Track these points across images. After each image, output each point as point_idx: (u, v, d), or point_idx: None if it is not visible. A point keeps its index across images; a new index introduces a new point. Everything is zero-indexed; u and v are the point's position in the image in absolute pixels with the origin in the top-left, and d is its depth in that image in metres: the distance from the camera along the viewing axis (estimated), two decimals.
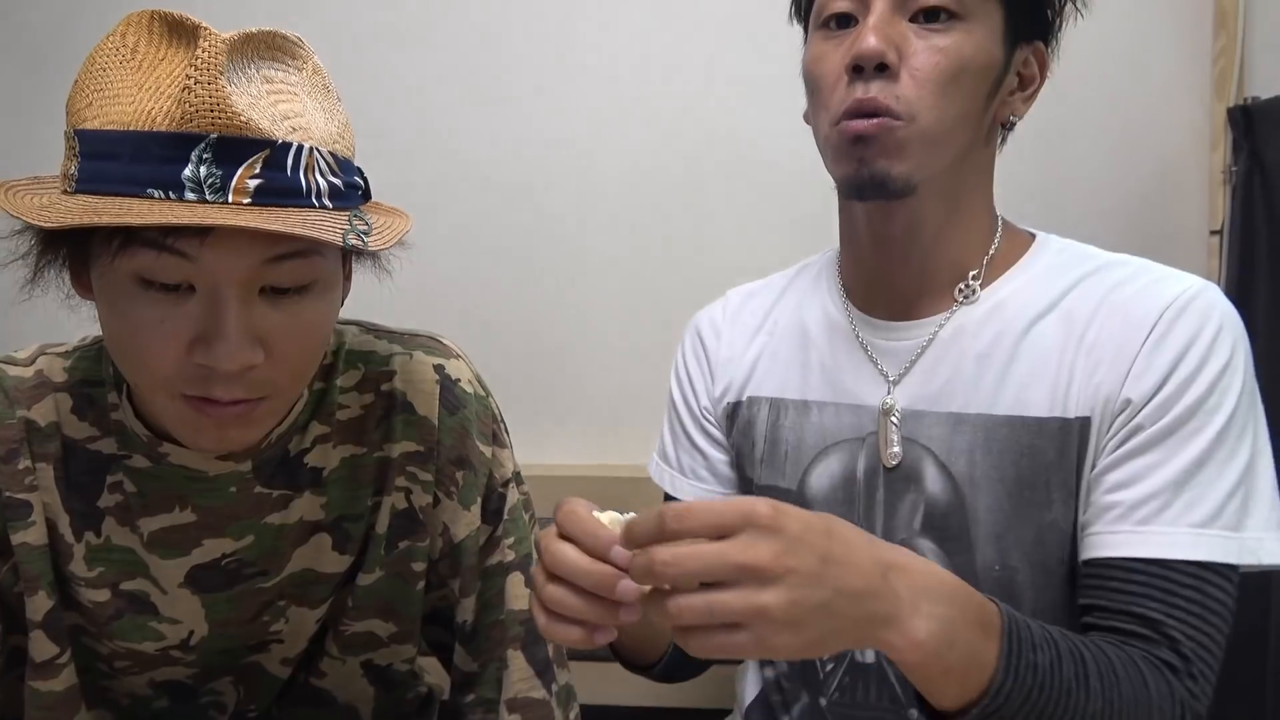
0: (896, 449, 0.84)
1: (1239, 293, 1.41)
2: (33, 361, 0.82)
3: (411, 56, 1.68)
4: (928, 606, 0.59)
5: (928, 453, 0.83)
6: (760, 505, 0.55)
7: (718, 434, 0.98)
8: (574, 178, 1.67)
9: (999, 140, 0.89)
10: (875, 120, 0.79)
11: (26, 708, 0.83)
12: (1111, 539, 0.75)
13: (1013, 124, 0.87)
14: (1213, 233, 1.49)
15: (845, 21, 0.83)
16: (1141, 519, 0.74)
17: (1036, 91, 0.87)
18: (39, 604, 0.80)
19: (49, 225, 0.64)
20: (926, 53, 0.79)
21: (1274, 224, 1.37)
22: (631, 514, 0.59)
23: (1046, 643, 0.67)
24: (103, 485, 0.81)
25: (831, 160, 0.84)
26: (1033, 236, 0.89)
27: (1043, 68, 0.87)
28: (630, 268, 1.67)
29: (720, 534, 0.54)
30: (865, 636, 0.58)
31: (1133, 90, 1.54)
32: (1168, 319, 0.77)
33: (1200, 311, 0.77)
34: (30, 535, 0.78)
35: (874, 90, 0.79)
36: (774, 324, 0.97)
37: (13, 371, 0.81)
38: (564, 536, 0.59)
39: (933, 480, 0.82)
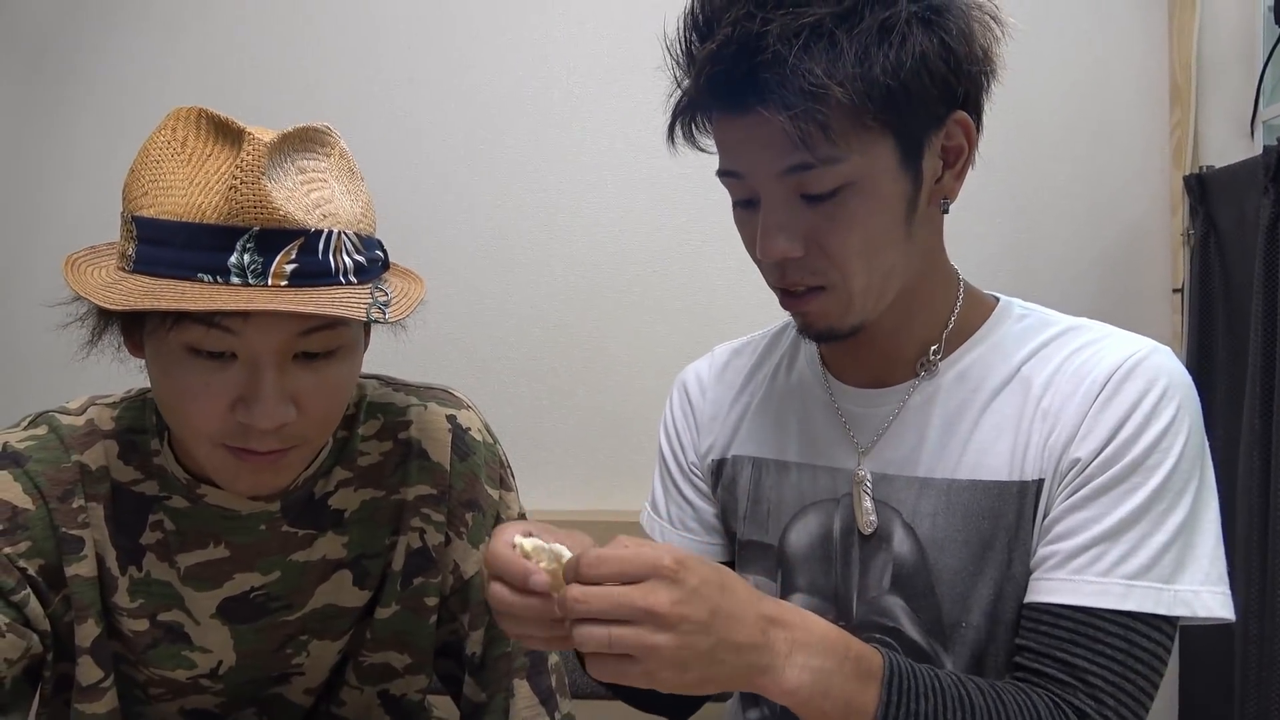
0: (872, 516, 0.86)
1: (1200, 345, 1.50)
2: (84, 411, 0.91)
3: (431, 135, 1.82)
4: (802, 659, 0.67)
5: (896, 515, 0.85)
6: (665, 558, 0.63)
7: (704, 488, 1.01)
8: (582, 239, 1.79)
9: (941, 218, 0.87)
10: (806, 296, 0.81)
11: None
12: (1046, 585, 0.78)
13: (948, 205, 0.84)
14: (1174, 291, 1.58)
15: (746, 204, 0.82)
16: (1076, 568, 0.76)
17: (968, 162, 0.82)
18: (87, 631, 0.87)
19: (115, 307, 0.73)
20: (830, 232, 0.78)
21: (1228, 282, 1.45)
22: (556, 545, 0.68)
23: (933, 691, 0.71)
24: (145, 524, 0.89)
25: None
26: (996, 301, 0.90)
27: (969, 132, 0.81)
28: (632, 328, 1.77)
29: (628, 580, 0.62)
30: (743, 682, 0.66)
31: (1099, 161, 1.65)
32: (1115, 381, 0.78)
33: (1147, 374, 0.78)
34: (82, 568, 0.86)
35: (791, 274, 0.81)
36: (756, 385, 0.99)
37: (66, 420, 0.90)
38: (494, 577, 0.69)
39: (900, 541, 0.84)
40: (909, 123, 0.76)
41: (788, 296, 0.83)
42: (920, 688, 0.71)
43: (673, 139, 0.84)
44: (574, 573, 0.64)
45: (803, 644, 0.67)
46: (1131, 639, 0.75)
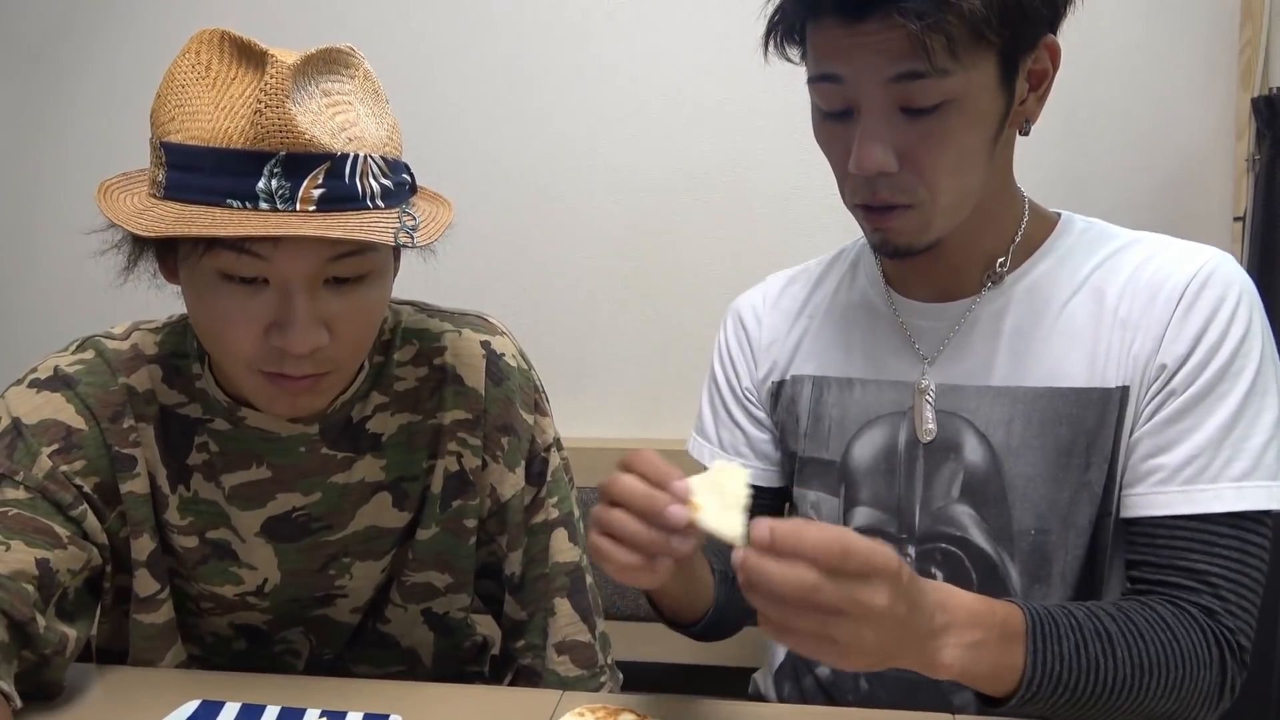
0: (931, 425, 0.89)
1: (1260, 276, 1.45)
2: (128, 336, 0.94)
3: (469, 56, 1.80)
4: (955, 639, 0.70)
5: (968, 424, 0.88)
6: (894, 560, 0.64)
7: (759, 413, 1.04)
8: (624, 165, 1.78)
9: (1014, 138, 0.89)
10: (892, 212, 0.82)
11: (131, 639, 0.95)
12: (1159, 499, 0.82)
13: (1029, 127, 0.86)
14: (1236, 219, 1.52)
15: (839, 115, 0.83)
16: (1187, 478, 0.80)
17: (1050, 84, 0.85)
18: (143, 545, 0.91)
19: (148, 234, 0.74)
20: (926, 148, 0.79)
21: None
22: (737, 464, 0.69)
23: (1071, 629, 0.75)
24: (191, 445, 0.92)
25: (858, 221, 0.88)
26: (1058, 216, 0.93)
27: (1055, 56, 0.84)
28: (673, 256, 1.76)
29: (856, 574, 0.62)
30: (905, 664, 0.69)
31: (1161, 80, 1.58)
32: (1193, 289, 0.82)
33: (1222, 282, 0.82)
34: (136, 485, 0.90)
35: (882, 192, 0.81)
36: (814, 308, 1.01)
37: (111, 345, 0.92)
38: (629, 470, 0.70)
39: (972, 450, 0.87)
40: (1015, 41, 0.78)
41: (870, 212, 0.84)
42: (1060, 629, 0.75)
43: (768, 45, 0.85)
44: (830, 560, 0.62)
45: (957, 624, 0.70)
46: (1244, 537, 0.80)
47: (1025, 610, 0.75)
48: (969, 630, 0.71)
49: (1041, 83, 0.84)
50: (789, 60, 0.85)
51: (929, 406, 0.89)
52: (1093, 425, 0.84)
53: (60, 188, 1.96)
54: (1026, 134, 0.86)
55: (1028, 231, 0.90)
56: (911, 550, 0.90)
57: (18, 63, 1.93)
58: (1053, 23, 0.82)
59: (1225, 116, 1.55)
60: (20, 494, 0.84)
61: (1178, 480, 0.81)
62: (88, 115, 1.92)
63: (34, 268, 1.99)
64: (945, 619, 0.70)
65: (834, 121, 0.83)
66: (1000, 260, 0.89)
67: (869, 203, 0.83)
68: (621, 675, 1.04)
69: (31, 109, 1.95)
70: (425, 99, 1.78)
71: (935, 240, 0.84)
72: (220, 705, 0.83)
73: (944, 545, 0.89)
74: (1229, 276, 0.83)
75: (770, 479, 1.04)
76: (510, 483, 0.97)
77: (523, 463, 0.98)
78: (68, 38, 1.90)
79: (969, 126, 0.79)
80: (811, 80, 0.83)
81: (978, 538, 0.87)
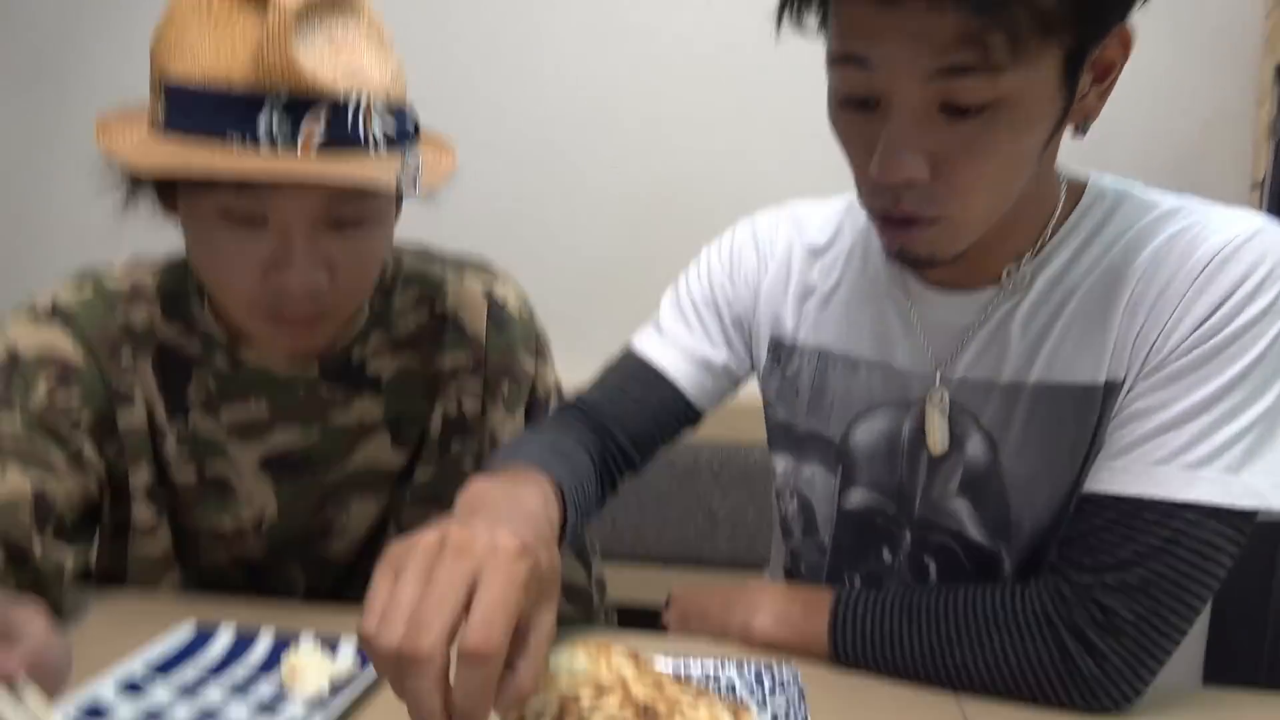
0: (942, 435, 0.82)
1: None
2: (127, 271, 0.93)
3: (456, 26, 1.79)
4: (760, 618, 0.84)
5: (972, 419, 0.81)
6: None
7: (735, 336, 0.95)
8: (614, 132, 1.76)
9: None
10: (915, 225, 0.71)
11: (129, 570, 0.96)
12: (1097, 474, 0.74)
13: (1088, 125, 0.72)
14: (1254, 186, 1.50)
15: (860, 104, 0.70)
16: (1134, 457, 0.72)
17: (1116, 76, 0.71)
18: (141, 478, 0.92)
19: (147, 170, 0.74)
20: (965, 156, 0.67)
21: None
22: None
23: (876, 605, 0.80)
24: (189, 380, 0.92)
25: (874, 225, 0.77)
26: (1084, 185, 0.81)
27: (1127, 45, 0.69)
28: (680, 218, 1.75)
29: None
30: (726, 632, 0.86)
31: (1182, 45, 1.55)
32: (1214, 266, 0.71)
33: (1250, 255, 0.70)
34: (133, 419, 0.90)
35: (906, 203, 0.70)
36: (826, 268, 0.92)
37: (111, 280, 0.92)
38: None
39: (974, 445, 0.81)
40: (1085, 32, 0.65)
41: (889, 223, 0.73)
42: (862, 606, 0.80)
43: (783, 16, 0.71)
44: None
45: (760, 605, 0.84)
46: (1176, 526, 0.70)
47: (835, 593, 0.82)
48: (777, 606, 0.84)
49: (1108, 74, 0.70)
50: (803, 33, 0.72)
51: (942, 416, 0.82)
52: (1094, 421, 0.76)
53: (64, 188, 1.94)
54: (1084, 133, 0.72)
55: (1059, 215, 0.79)
56: (908, 535, 0.87)
57: (22, 61, 1.92)
58: (1130, 8, 0.68)
59: (1247, 82, 1.52)
60: (17, 423, 0.85)
61: (1126, 457, 0.72)
62: (91, 115, 1.91)
63: (37, 267, 1.98)
64: (745, 601, 0.85)
65: (853, 110, 0.70)
66: (1026, 255, 0.79)
67: (889, 213, 0.72)
68: (616, 616, 1.05)
69: (36, 107, 1.93)
70: (430, 48, 1.76)
71: (962, 251, 0.74)
72: (215, 625, 0.83)
73: (939, 538, 0.85)
74: (1262, 249, 0.70)
75: (700, 399, 0.94)
76: (510, 427, 0.98)
77: (522, 408, 0.98)
78: (72, 36, 1.88)
79: (1018, 132, 0.67)
80: (833, 60, 0.69)
81: (973, 531, 0.83)
